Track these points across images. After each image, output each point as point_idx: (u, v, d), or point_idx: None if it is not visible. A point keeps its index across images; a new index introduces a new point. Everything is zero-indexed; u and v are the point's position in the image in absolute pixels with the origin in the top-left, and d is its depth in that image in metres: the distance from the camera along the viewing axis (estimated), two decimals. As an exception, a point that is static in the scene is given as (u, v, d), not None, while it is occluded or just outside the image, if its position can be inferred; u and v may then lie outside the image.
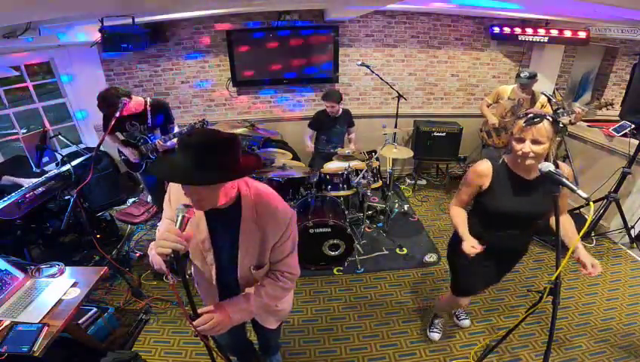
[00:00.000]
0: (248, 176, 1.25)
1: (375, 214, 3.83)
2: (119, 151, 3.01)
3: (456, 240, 1.74)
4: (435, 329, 2.41)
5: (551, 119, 1.39)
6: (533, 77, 3.35)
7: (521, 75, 3.37)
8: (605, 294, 2.77)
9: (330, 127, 3.68)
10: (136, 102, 2.70)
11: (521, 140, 1.41)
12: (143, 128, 2.82)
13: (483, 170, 1.61)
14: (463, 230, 1.66)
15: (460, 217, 1.73)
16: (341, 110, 3.62)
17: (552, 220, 1.58)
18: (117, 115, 2.46)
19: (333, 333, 2.45)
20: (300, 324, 2.52)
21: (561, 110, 3.19)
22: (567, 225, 1.61)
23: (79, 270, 2.01)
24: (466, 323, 2.45)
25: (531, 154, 1.40)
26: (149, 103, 2.79)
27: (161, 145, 2.81)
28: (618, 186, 3.03)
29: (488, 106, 3.71)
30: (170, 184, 1.27)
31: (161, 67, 4.13)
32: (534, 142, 1.39)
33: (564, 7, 2.96)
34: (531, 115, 1.41)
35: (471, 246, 1.56)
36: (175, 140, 2.85)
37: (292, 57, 4.18)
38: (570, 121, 3.22)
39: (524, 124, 1.39)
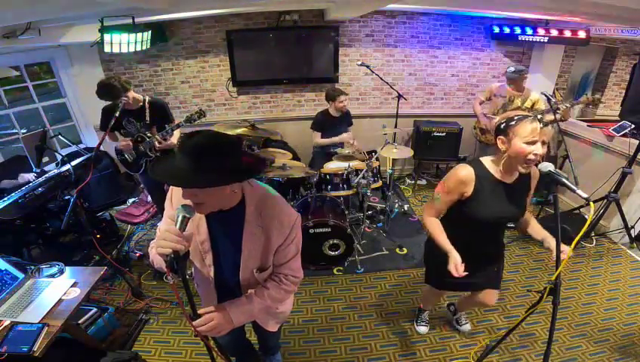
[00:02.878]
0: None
1: (375, 214, 3.83)
2: (117, 152, 2.95)
3: (433, 243, 1.70)
4: (422, 323, 2.44)
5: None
6: (520, 72, 3.37)
7: (508, 70, 3.43)
8: (605, 294, 2.77)
9: (332, 127, 3.68)
10: (135, 98, 2.69)
11: (533, 143, 1.37)
12: (139, 125, 2.79)
13: (466, 176, 1.53)
14: (448, 245, 1.59)
15: (439, 229, 1.65)
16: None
17: (522, 220, 1.74)
18: (116, 114, 2.46)
19: (333, 333, 2.45)
20: (299, 324, 2.53)
21: (555, 106, 3.16)
22: (536, 228, 1.74)
23: (79, 270, 2.01)
24: (467, 327, 2.43)
25: (539, 156, 1.38)
26: (147, 101, 2.78)
27: (159, 141, 2.74)
28: (618, 186, 3.03)
29: (481, 103, 3.76)
30: None
31: (161, 67, 4.13)
32: (543, 143, 1.38)
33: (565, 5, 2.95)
34: (539, 116, 1.40)
35: (455, 264, 1.52)
36: (174, 137, 2.83)
37: (292, 57, 4.17)
38: (559, 118, 3.16)
39: (541, 126, 1.36)
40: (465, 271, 1.53)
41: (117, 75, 2.65)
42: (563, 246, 1.46)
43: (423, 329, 2.43)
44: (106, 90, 2.51)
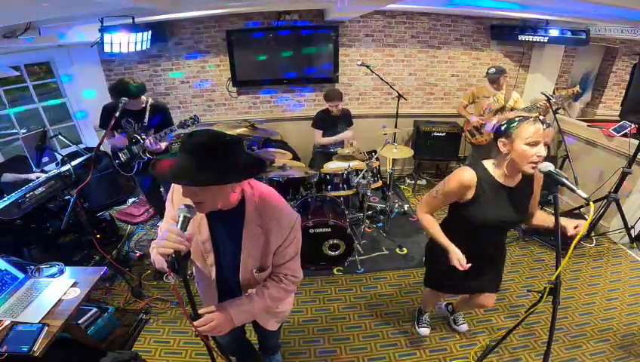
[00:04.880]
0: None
1: (375, 214, 3.83)
2: (113, 154, 2.92)
3: (434, 243, 1.73)
4: (423, 325, 2.42)
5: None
6: (500, 72, 3.45)
7: (489, 70, 3.52)
8: (605, 294, 2.77)
9: (332, 127, 3.69)
10: (138, 100, 2.68)
11: (535, 144, 1.36)
12: (137, 127, 2.77)
13: (468, 180, 1.52)
14: (445, 241, 1.63)
15: (435, 226, 1.68)
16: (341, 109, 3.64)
17: (534, 220, 1.72)
18: (116, 114, 2.46)
19: (333, 333, 2.45)
20: (300, 324, 2.52)
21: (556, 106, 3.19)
22: (543, 216, 1.72)
23: (79, 270, 2.01)
24: (464, 327, 2.43)
25: (541, 158, 1.37)
26: (149, 103, 2.77)
27: (151, 143, 2.68)
28: (618, 186, 3.03)
29: (465, 107, 3.80)
30: (173, 184, 1.27)
31: (161, 67, 4.13)
32: (544, 144, 1.37)
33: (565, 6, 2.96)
34: (539, 117, 1.40)
35: (457, 259, 1.56)
36: (165, 143, 2.80)
37: (292, 57, 4.17)
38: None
39: (544, 128, 1.35)
40: (465, 272, 1.54)
41: (132, 77, 2.65)
42: (578, 222, 1.46)
43: (424, 331, 2.42)
44: (119, 90, 2.51)
